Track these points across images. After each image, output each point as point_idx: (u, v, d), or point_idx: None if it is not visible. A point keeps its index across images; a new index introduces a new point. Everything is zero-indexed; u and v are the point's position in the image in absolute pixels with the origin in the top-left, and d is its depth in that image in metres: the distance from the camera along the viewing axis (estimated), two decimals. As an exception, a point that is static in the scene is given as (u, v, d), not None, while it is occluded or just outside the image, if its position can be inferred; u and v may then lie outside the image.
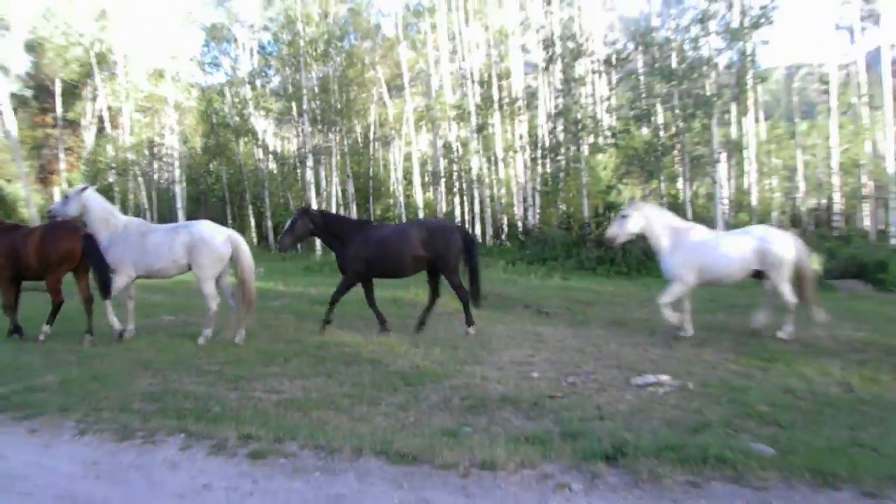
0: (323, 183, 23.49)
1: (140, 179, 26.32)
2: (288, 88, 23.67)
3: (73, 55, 27.18)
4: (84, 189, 7.47)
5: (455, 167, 22.21)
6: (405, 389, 5.26)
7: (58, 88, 28.45)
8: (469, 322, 7.65)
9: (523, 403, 4.86)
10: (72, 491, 3.45)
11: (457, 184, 22.37)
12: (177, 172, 24.75)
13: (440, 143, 22.77)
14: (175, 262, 7.25)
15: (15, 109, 27.54)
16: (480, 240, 20.94)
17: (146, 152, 25.97)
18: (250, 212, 24.88)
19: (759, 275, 7.15)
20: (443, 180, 22.30)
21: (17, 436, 4.33)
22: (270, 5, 23.33)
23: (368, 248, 7.69)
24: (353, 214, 23.57)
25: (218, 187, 25.96)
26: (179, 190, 24.26)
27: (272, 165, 24.63)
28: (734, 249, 7.04)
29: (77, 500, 3.37)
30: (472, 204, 21.98)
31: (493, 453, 3.70)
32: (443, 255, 7.60)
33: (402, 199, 22.97)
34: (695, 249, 7.13)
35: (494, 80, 21.19)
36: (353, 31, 24.10)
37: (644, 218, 7.30)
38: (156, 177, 26.40)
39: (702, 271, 7.11)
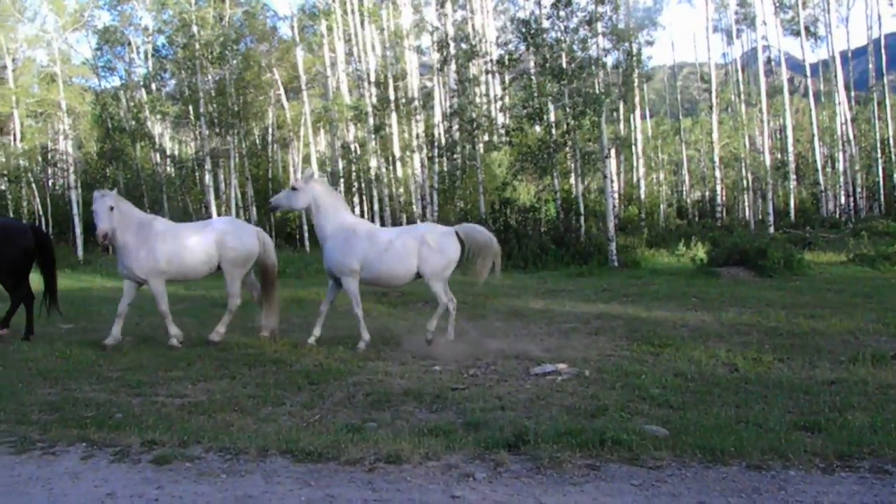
0: (222, 186, 23.93)
1: (34, 186, 26.27)
2: (184, 92, 24.10)
3: (-41, 59, 27.05)
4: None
5: (353, 167, 22.96)
6: (309, 388, 5.47)
7: (-57, 94, 28.15)
8: (4, 324, 8.01)
9: (426, 397, 5.12)
10: None
11: (356, 184, 23.11)
12: (72, 178, 24.84)
13: (338, 143, 23.50)
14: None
15: None
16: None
17: (39, 158, 25.97)
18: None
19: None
20: (342, 180, 22.99)
21: None
22: (165, 8, 23.79)
23: None
24: (254, 217, 24.08)
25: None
26: (75, 196, 24.33)
27: (170, 169, 24.94)
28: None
29: None
30: (371, 203, 22.73)
31: (398, 447, 3.85)
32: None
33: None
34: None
35: (391, 81, 22.07)
36: (248, 34, 24.76)
37: (314, 195, 7.37)
38: (50, 183, 26.38)
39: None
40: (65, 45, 25.79)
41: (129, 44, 25.96)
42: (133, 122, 24.63)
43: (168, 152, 25.59)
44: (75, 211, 23.88)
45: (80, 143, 27.37)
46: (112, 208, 7.16)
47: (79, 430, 4.41)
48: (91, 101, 26.23)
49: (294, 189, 7.30)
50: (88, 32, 26.04)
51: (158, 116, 24.78)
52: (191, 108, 23.78)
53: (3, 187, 26.39)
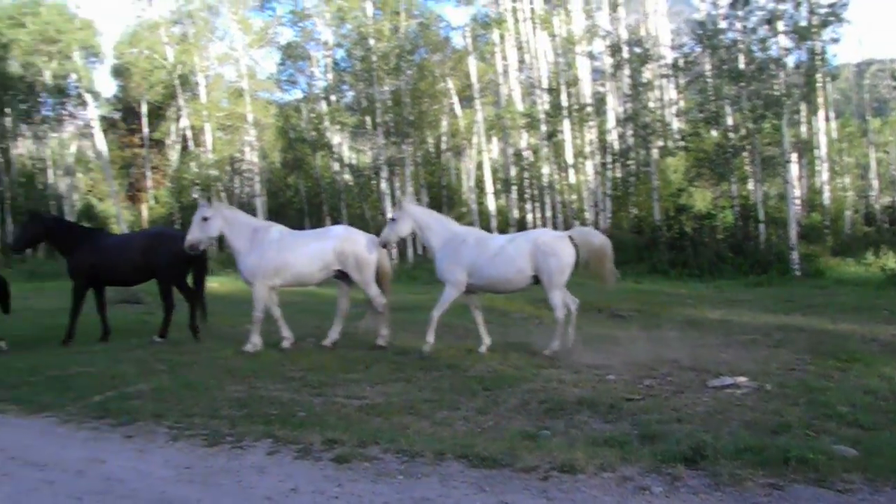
0: (397, 193, 30.29)
1: (223, 194, 34.23)
2: (362, 102, 30.77)
3: (158, 78, 35.83)
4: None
5: (526, 174, 28.34)
6: (483, 394, 6.62)
7: (144, 110, 37.37)
8: (162, 334, 10.50)
9: (601, 406, 5.96)
10: (166, 494, 4.34)
11: (528, 191, 28.48)
12: (257, 187, 32.51)
13: (511, 151, 29.05)
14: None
15: (105, 131, 36.96)
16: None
17: (228, 168, 33.94)
18: (328, 223, 32.04)
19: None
20: (514, 188, 28.46)
21: (114, 441, 5.52)
22: (343, 23, 30.51)
23: (95, 256, 10.54)
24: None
25: (297, 200, 33.41)
26: (260, 203, 31.94)
27: (348, 178, 31.76)
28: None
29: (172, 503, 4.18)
30: (543, 210, 28.03)
31: (573, 456, 4.46)
32: (158, 263, 10.29)
33: (475, 207, 29.40)
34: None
35: (563, 87, 27.17)
36: (423, 45, 30.88)
37: (413, 217, 9.29)
38: (237, 191, 34.25)
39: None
40: (251, 62, 33.63)
41: (310, 58, 33.08)
42: (314, 133, 31.68)
43: (346, 161, 32.47)
44: (260, 217, 31.32)
45: (265, 154, 35.14)
46: (205, 219, 9.34)
47: (265, 427, 5.59)
48: (275, 114, 33.80)
49: (394, 220, 9.32)
50: (273, 49, 33.53)
51: (337, 127, 31.64)
52: (368, 118, 30.34)
53: (195, 196, 34.59)
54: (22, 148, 39.16)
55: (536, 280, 8.77)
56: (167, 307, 10.62)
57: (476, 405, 6.30)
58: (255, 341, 9.39)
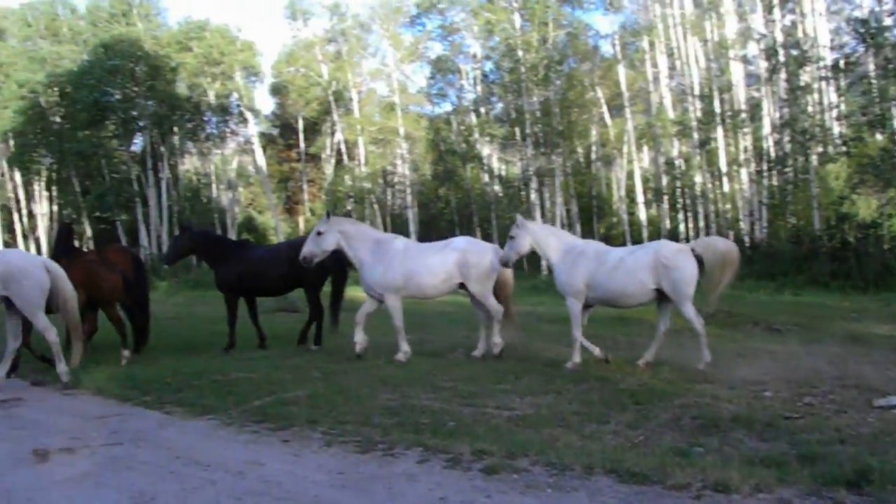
0: (547, 204, 34.02)
1: (375, 206, 39.38)
2: (511, 114, 34.80)
3: (313, 95, 41.76)
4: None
5: (678, 183, 31.15)
6: (634, 408, 7.11)
7: (300, 126, 43.50)
8: (316, 341, 12.03)
9: (756, 424, 6.33)
10: (320, 498, 5.09)
11: (680, 200, 31.27)
12: (409, 199, 37.39)
13: (662, 159, 32.04)
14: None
15: (264, 147, 43.48)
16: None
17: (380, 181, 39.06)
18: (478, 234, 36.26)
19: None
20: (665, 197, 31.40)
21: (272, 445, 6.41)
22: (491, 35, 34.65)
23: (241, 267, 12.12)
24: (578, 234, 33.77)
25: (447, 212, 37.96)
26: (412, 215, 36.80)
27: (497, 189, 35.85)
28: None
29: None
30: (696, 220, 30.73)
31: (727, 475, 4.89)
32: (306, 272, 11.39)
33: (625, 217, 32.65)
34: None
35: (716, 93, 29.78)
36: (571, 55, 34.47)
37: (531, 234, 10.11)
38: (389, 203, 39.28)
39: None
40: (402, 76, 38.58)
41: (459, 71, 37.58)
42: (463, 145, 36.04)
43: (496, 172, 36.66)
44: (412, 228, 36.09)
45: (416, 166, 40.13)
46: (320, 233, 10.57)
47: (415, 435, 6.31)
48: (425, 127, 38.57)
49: (512, 237, 10.15)
50: (423, 63, 38.35)
51: (487, 138, 35.86)
52: (517, 129, 34.26)
53: (349, 207, 40.06)
54: (188, 164, 46.58)
55: (660, 294, 9.40)
56: (317, 315, 12.27)
57: (626, 419, 6.79)
58: (404, 349, 10.52)
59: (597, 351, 9.59)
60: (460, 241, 11.19)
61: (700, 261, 9.34)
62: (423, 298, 11.72)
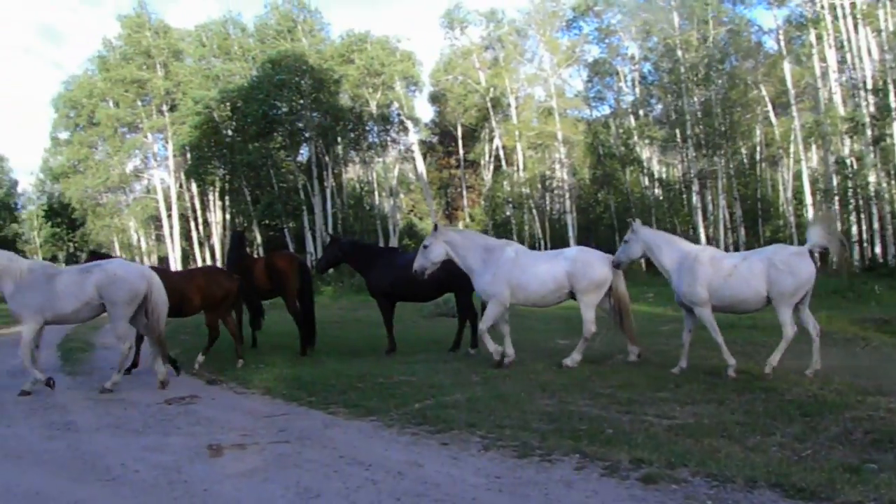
0: (709, 207, 34.78)
1: (534, 212, 41.24)
2: (671, 115, 35.86)
3: (472, 102, 44.29)
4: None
5: (849, 183, 31.13)
6: (801, 420, 7.17)
7: (459, 133, 46.10)
8: (472, 344, 12.55)
9: None
10: (478, 501, 5.31)
11: (852, 201, 31.22)
12: (567, 203, 39.01)
13: (832, 158, 32.06)
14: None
15: (424, 154, 46.45)
16: (881, 259, 29.51)
17: (539, 186, 40.94)
18: (638, 239, 37.57)
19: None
20: (836, 198, 31.45)
21: (431, 447, 6.80)
22: (650, 36, 35.82)
23: (392, 272, 12.82)
24: (741, 238, 34.32)
25: (606, 216, 39.37)
26: (571, 220, 38.41)
27: (658, 192, 36.91)
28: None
29: None
30: (870, 221, 30.63)
31: None
32: (459, 276, 11.85)
33: (792, 219, 32.95)
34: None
35: (891, 87, 29.61)
36: (733, 52, 35.09)
37: (644, 240, 10.51)
38: (548, 209, 41.09)
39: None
40: (559, 81, 40.31)
41: (617, 73, 38.95)
42: (622, 148, 37.36)
43: (656, 175, 37.77)
44: (571, 234, 37.68)
45: (575, 171, 41.84)
46: (426, 246, 11.28)
47: (573, 442, 6.56)
48: (583, 131, 40.09)
49: (626, 242, 10.70)
50: (580, 67, 39.99)
51: (646, 141, 37.04)
52: (678, 130, 35.21)
53: (508, 213, 42.20)
54: (351, 172, 50.30)
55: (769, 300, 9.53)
56: (470, 318, 12.99)
57: (793, 431, 6.75)
58: (508, 352, 11.08)
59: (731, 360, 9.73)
60: (572, 251, 11.53)
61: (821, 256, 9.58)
62: (533, 306, 11.96)
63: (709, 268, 9.79)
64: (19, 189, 68.18)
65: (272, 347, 14.36)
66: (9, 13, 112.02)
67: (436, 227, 11.69)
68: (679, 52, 33.87)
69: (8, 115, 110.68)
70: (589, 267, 10.85)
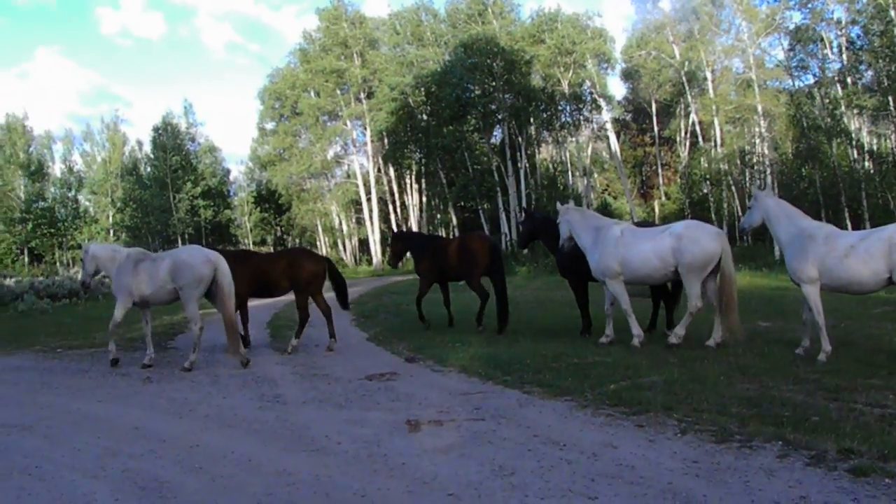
0: (928, 180, 32.77)
1: (733, 189, 40.29)
2: (882, 81, 33.85)
3: (666, 77, 43.67)
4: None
5: None
6: None
7: (653, 109, 45.56)
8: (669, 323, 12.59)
9: None
10: (673, 486, 5.24)
11: None
12: (769, 179, 37.79)
13: None
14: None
15: (618, 132, 46.34)
16: None
17: (738, 162, 39.89)
18: (846, 216, 35.80)
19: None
20: None
21: (626, 429, 6.79)
22: (857, -1, 34.03)
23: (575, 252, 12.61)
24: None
25: (811, 192, 37.83)
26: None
27: (868, 165, 35.12)
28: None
29: (678, 497, 5.02)
30: None
31: None
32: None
33: None
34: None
35: None
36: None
37: (764, 209, 10.46)
38: (748, 185, 39.98)
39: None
40: (758, 51, 38.85)
41: (822, 40, 37.20)
42: (828, 119, 35.71)
43: (866, 147, 35.87)
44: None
45: (776, 145, 40.42)
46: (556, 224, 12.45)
47: (775, 428, 6.38)
48: (785, 102, 38.66)
49: (749, 208, 10.83)
50: (780, 35, 38.47)
51: (855, 110, 35.25)
52: (890, 98, 33.26)
53: (705, 191, 41.43)
54: (544, 153, 50.90)
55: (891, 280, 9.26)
56: (665, 300, 13.18)
57: None
58: (636, 332, 11.54)
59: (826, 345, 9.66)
60: (678, 226, 11.39)
61: None
62: (642, 283, 12.12)
63: (822, 246, 9.56)
64: (231, 177, 73.50)
65: (469, 327, 14.80)
66: (216, 8, 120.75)
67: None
68: (892, 13, 31.94)
69: (219, 109, 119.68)
70: (694, 243, 10.82)
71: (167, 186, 58.56)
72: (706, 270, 10.92)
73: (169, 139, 60.57)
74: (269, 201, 66.42)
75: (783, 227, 10.15)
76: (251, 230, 69.14)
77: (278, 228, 69.13)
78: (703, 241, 10.83)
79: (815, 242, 9.63)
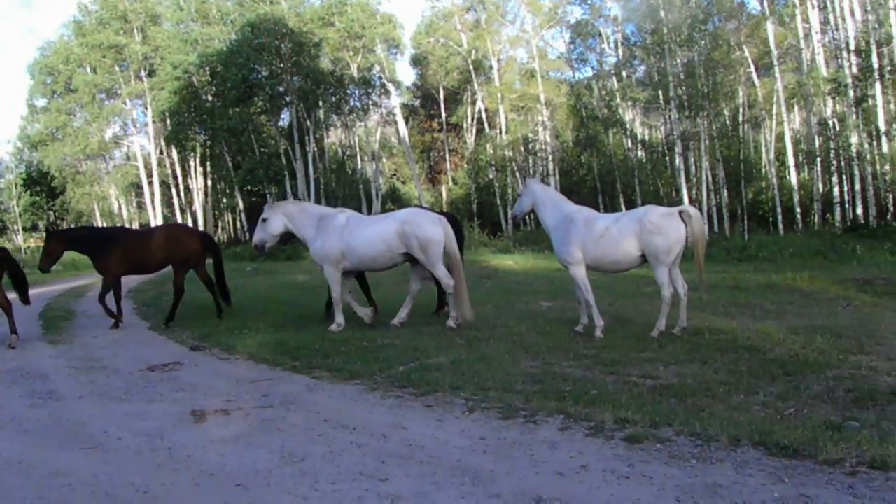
0: (692, 169, 34.83)
1: (517, 174, 41.20)
2: (653, 77, 35.71)
3: (453, 64, 43.96)
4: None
5: (832, 145, 31.32)
6: (784, 378, 7.29)
7: (441, 96, 45.68)
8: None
9: None
10: (462, 463, 5.34)
11: (834, 162, 31.42)
12: (550, 166, 38.94)
13: (814, 120, 32.15)
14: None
15: (406, 118, 46.09)
16: (862, 220, 29.75)
17: (522, 149, 40.83)
18: (621, 201, 37.53)
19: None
20: (818, 159, 31.63)
21: (415, 410, 6.88)
22: (632, -3, 35.62)
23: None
24: (724, 199, 34.45)
25: (589, 178, 39.40)
26: (553, 182, 38.31)
27: (641, 154, 36.92)
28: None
29: (467, 473, 5.13)
30: (851, 183, 30.84)
31: (885, 452, 4.88)
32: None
33: (775, 181, 33.03)
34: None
35: (873, 47, 29.71)
36: (716, 13, 34.86)
37: (532, 195, 11.07)
38: (531, 171, 41.00)
39: None
40: (541, 43, 40.03)
41: (600, 35, 38.73)
42: (605, 110, 37.25)
43: (639, 137, 37.72)
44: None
45: (557, 133, 41.73)
46: (265, 220, 12.00)
47: (557, 403, 6.65)
48: (566, 93, 39.95)
49: (519, 195, 11.50)
50: (562, 28, 39.71)
51: (629, 103, 36.93)
52: (660, 92, 35.13)
53: (491, 176, 42.13)
54: (333, 137, 50.02)
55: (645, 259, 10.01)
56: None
57: (776, 390, 6.90)
58: (338, 321, 11.89)
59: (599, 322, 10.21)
60: (401, 213, 11.96)
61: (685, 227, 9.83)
62: (368, 270, 12.55)
63: (582, 229, 10.19)
64: (-4, 158, 67.23)
65: (257, 313, 14.43)
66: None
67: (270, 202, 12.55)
68: (662, 13, 33.60)
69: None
70: (418, 228, 11.22)
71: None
72: (437, 251, 11.26)
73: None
74: (40, 184, 61.06)
75: (549, 212, 10.74)
76: (20, 215, 63.64)
77: (52, 213, 64.00)
78: (425, 224, 11.27)
79: (577, 225, 10.25)
